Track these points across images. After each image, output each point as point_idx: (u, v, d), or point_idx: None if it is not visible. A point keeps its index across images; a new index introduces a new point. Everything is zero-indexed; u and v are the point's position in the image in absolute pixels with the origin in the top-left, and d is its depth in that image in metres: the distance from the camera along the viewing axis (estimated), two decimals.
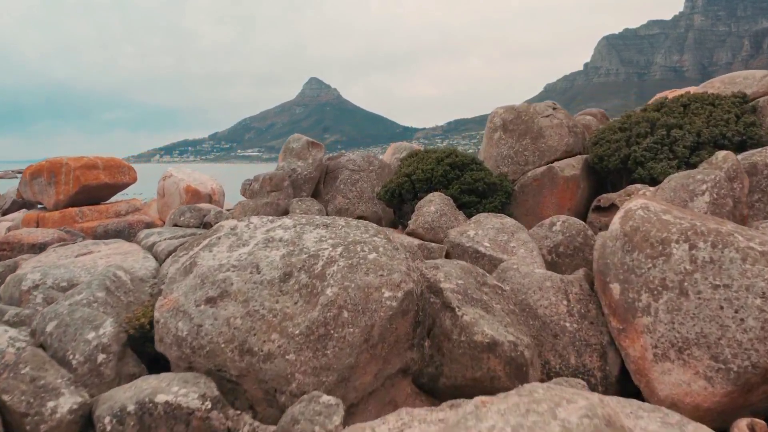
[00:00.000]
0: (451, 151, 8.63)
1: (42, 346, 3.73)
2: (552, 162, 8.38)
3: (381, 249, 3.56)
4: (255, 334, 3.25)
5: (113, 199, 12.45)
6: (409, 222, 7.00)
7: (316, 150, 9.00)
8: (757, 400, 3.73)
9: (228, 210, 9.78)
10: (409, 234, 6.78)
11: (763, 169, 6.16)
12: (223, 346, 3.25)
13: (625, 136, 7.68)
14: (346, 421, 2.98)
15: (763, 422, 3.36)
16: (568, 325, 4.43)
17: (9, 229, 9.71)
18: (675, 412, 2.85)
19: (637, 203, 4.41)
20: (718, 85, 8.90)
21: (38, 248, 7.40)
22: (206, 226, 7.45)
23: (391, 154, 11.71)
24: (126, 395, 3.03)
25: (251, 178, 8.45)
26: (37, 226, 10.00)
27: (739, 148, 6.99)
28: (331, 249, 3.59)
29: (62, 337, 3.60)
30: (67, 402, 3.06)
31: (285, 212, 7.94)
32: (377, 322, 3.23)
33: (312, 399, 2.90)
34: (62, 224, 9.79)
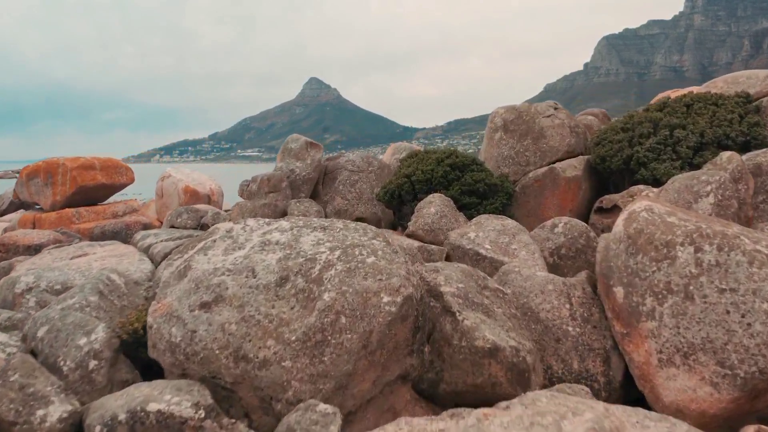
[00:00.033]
0: (452, 152, 8.54)
1: (33, 351, 3.65)
2: (553, 162, 8.30)
3: (380, 252, 3.48)
4: (250, 340, 3.16)
5: (111, 199, 12.37)
6: (408, 224, 6.92)
7: (315, 150, 8.91)
8: (764, 407, 3.66)
9: (226, 211, 9.70)
10: (409, 236, 6.70)
11: None
12: (217, 352, 3.17)
13: (627, 136, 7.59)
14: (344, 429, 2.90)
15: None
16: (570, 329, 4.35)
17: (6, 230, 9.63)
18: (682, 422, 2.77)
19: (641, 205, 4.34)
20: (721, 84, 8.81)
21: (34, 250, 7.32)
22: (203, 227, 7.36)
23: (390, 154, 11.62)
24: (117, 403, 2.94)
25: (249, 178, 8.36)
26: (34, 227, 9.92)
27: (743, 148, 6.90)
28: (328, 252, 3.51)
29: (53, 342, 3.51)
30: (56, 410, 2.98)
31: (283, 213, 7.86)
32: (376, 327, 3.15)
33: (308, 408, 2.82)
34: (59, 225, 9.71)
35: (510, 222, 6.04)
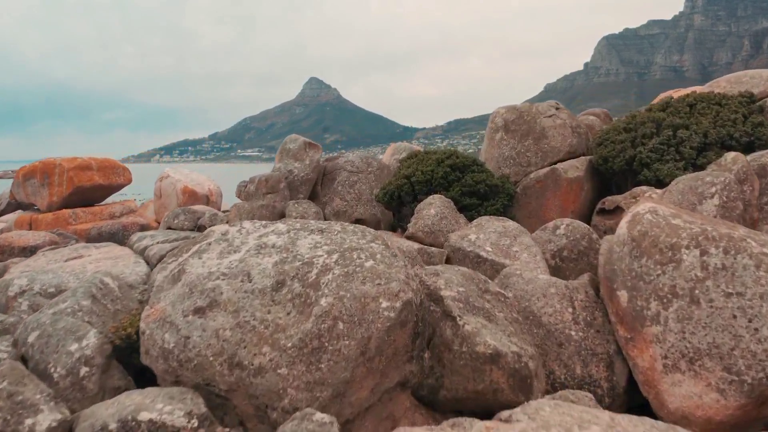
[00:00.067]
0: (452, 153, 8.46)
1: (24, 357, 3.57)
2: (555, 163, 8.21)
3: (378, 256, 3.39)
4: (245, 347, 3.08)
5: (109, 200, 12.28)
6: (408, 225, 6.84)
7: (314, 151, 8.82)
8: None
9: (225, 212, 9.61)
10: (409, 238, 6.61)
11: None
12: (211, 359, 3.08)
13: (630, 136, 7.50)
14: None
15: None
16: (573, 333, 4.27)
17: (2, 231, 9.55)
18: None
19: (645, 207, 4.26)
20: (724, 84, 8.73)
21: (29, 251, 7.23)
22: (200, 229, 7.28)
23: (390, 154, 11.53)
24: (108, 412, 2.86)
25: (247, 179, 8.27)
26: (30, 228, 9.84)
27: (747, 149, 6.82)
28: (326, 256, 3.42)
29: (44, 348, 3.43)
30: (46, 419, 2.89)
31: (281, 215, 7.77)
32: (374, 334, 3.06)
33: (305, 417, 2.73)
34: (55, 226, 9.62)
35: (511, 224, 5.96)
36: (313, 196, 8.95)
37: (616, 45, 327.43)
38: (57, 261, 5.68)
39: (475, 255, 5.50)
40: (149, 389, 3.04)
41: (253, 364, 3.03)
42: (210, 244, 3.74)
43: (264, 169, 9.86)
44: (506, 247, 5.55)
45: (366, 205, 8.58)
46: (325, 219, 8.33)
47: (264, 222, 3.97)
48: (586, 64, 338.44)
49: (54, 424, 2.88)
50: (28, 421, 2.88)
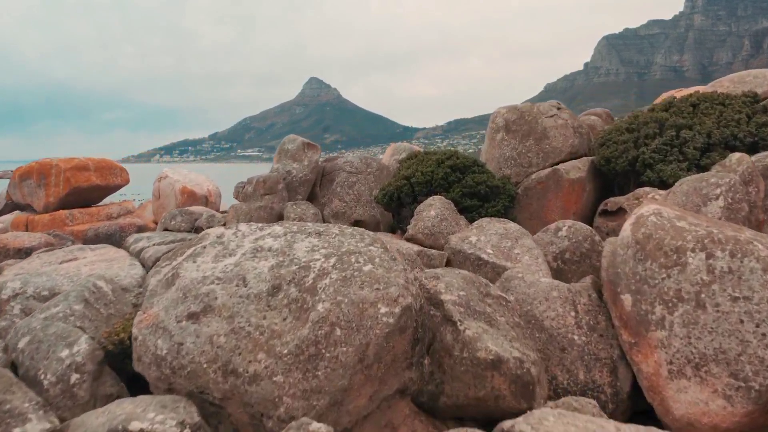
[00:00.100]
0: (452, 153, 8.37)
1: (14, 363, 3.48)
2: (557, 164, 8.12)
3: (377, 260, 3.30)
4: (240, 354, 2.99)
5: (107, 200, 12.18)
6: (408, 227, 6.75)
7: (312, 151, 8.73)
8: None
9: (223, 212, 9.52)
10: (409, 239, 6.53)
11: None
12: (205, 366, 3.00)
13: (632, 137, 7.41)
14: None
15: None
16: (576, 338, 4.19)
17: None
18: None
19: (649, 209, 4.18)
20: (727, 84, 8.65)
21: (24, 253, 7.14)
22: (198, 230, 7.20)
23: (390, 155, 11.43)
24: (98, 421, 2.77)
25: (245, 180, 8.18)
26: (27, 230, 9.75)
27: (751, 149, 6.73)
28: (323, 260, 3.33)
29: (34, 354, 3.34)
30: (34, 429, 2.80)
31: (279, 216, 7.68)
32: (373, 340, 2.98)
33: (300, 427, 2.65)
34: (52, 227, 9.53)
35: (512, 225, 5.87)
36: (311, 197, 8.86)
37: (616, 45, 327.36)
38: (51, 263, 5.59)
39: (476, 257, 5.41)
40: (141, 397, 2.96)
41: (248, 372, 2.95)
42: (205, 247, 3.65)
43: (264, 169, 9.76)
44: (507, 250, 5.46)
45: (365, 207, 8.49)
46: (324, 220, 8.24)
47: (260, 225, 3.89)
48: (586, 64, 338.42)
49: None
50: (16, 431, 2.79)
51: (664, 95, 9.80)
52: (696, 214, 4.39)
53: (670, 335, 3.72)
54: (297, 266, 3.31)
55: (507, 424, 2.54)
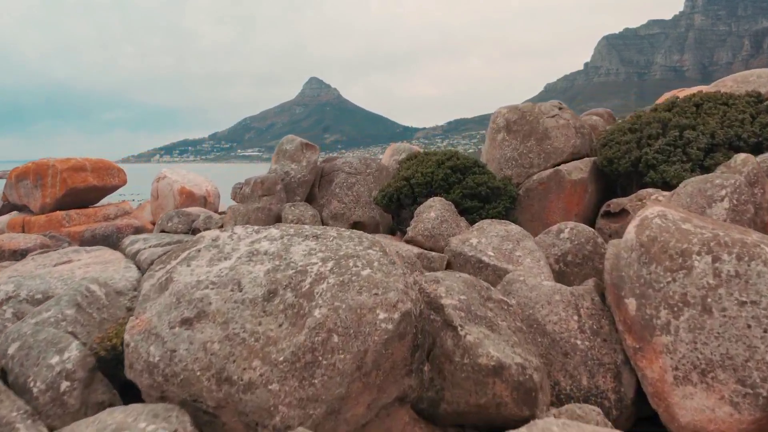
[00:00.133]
0: (453, 154, 8.27)
1: (4, 369, 3.40)
2: (558, 164, 8.02)
3: (376, 264, 3.22)
4: (234, 361, 2.91)
5: (105, 201, 12.10)
6: (407, 229, 6.66)
7: (311, 152, 8.64)
8: None
9: (221, 213, 9.44)
10: (408, 241, 6.44)
11: None
12: (198, 374, 2.91)
13: (635, 137, 7.32)
14: None
15: None
16: (579, 342, 4.11)
17: None
18: None
19: (654, 211, 4.09)
20: (730, 84, 8.56)
21: (20, 255, 7.06)
22: (195, 232, 7.11)
23: (389, 155, 11.35)
24: (88, 431, 2.69)
25: (242, 181, 8.09)
26: (23, 231, 9.66)
27: (755, 149, 6.64)
28: (320, 264, 3.25)
29: (24, 361, 3.26)
30: None
31: (277, 218, 7.60)
32: (371, 347, 2.89)
33: None
34: (48, 228, 9.45)
35: (514, 227, 5.79)
36: (310, 198, 8.77)
37: (616, 45, 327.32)
38: (46, 266, 5.50)
39: (477, 260, 5.33)
40: (132, 406, 2.87)
41: (242, 379, 2.87)
42: (199, 250, 3.57)
43: (264, 169, 9.68)
44: (509, 252, 5.38)
45: (364, 208, 8.40)
46: (323, 222, 8.15)
47: (256, 227, 3.80)
48: (586, 64, 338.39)
49: None
50: None
51: (666, 95, 9.72)
52: (701, 216, 4.31)
53: (675, 340, 3.64)
54: (293, 270, 3.23)
55: None
